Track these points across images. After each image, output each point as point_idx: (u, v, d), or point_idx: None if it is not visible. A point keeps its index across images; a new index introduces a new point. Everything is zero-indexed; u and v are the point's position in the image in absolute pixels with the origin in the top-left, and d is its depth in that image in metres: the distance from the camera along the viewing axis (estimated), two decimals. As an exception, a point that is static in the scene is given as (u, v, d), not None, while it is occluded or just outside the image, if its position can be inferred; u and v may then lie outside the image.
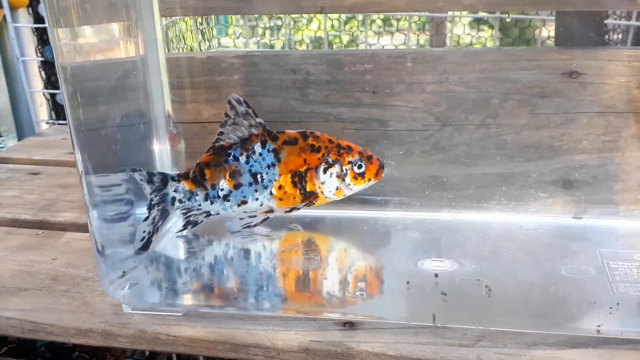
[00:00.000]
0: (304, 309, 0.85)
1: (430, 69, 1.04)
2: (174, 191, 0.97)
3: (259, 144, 0.96)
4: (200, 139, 1.10)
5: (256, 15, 1.35)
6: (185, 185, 0.97)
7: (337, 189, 0.96)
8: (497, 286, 0.86)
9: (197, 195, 0.97)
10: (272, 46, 1.37)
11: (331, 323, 0.82)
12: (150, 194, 0.96)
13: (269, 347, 0.80)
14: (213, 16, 1.22)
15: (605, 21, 1.44)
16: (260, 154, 0.96)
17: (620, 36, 1.49)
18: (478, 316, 0.82)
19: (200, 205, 0.98)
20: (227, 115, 0.96)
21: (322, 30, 1.38)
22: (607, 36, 1.50)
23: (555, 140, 1.03)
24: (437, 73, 1.04)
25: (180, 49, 1.12)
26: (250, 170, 0.97)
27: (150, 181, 0.96)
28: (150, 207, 0.96)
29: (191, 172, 0.98)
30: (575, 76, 1.01)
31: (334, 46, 1.37)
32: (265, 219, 0.99)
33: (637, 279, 0.86)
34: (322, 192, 0.96)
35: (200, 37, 1.16)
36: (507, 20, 1.16)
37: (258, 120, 0.96)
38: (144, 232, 0.95)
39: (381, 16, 1.36)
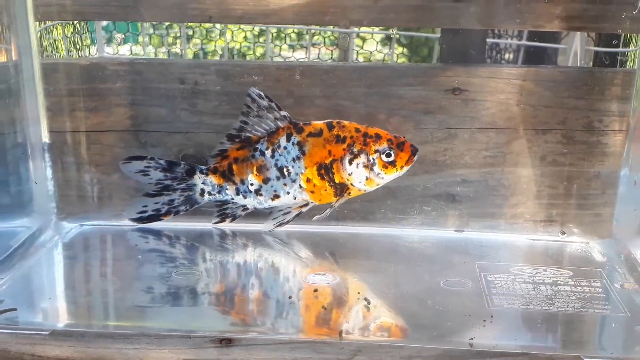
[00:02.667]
0: (178, 326, 0.83)
1: (319, 83, 1.04)
2: (202, 183, 1.00)
3: (284, 137, 0.96)
4: (80, 147, 1.06)
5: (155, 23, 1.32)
6: (213, 179, 1.00)
7: (367, 179, 0.95)
8: (376, 300, 0.87)
9: (227, 189, 0.99)
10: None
11: (207, 340, 0.80)
12: (168, 180, 1.01)
13: (140, 366, 0.77)
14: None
15: (496, 40, 1.49)
16: (285, 147, 0.97)
17: (511, 55, 1.54)
18: (356, 330, 0.81)
19: (233, 199, 1.00)
20: (247, 106, 0.97)
21: (236, 42, 1.35)
22: (498, 55, 1.56)
23: (438, 155, 1.05)
24: (325, 87, 1.04)
25: (54, 56, 1.07)
26: (276, 164, 0.97)
27: (167, 170, 1.00)
28: (167, 189, 1.01)
29: (218, 166, 1.00)
30: (457, 93, 1.03)
31: (247, 58, 1.35)
32: (298, 214, 1.00)
33: (512, 291, 0.88)
34: (351, 184, 0.95)
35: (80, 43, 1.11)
36: (392, 36, 1.17)
37: (282, 113, 0.97)
38: (146, 206, 1.02)
39: (295, 30, 1.35)
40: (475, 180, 1.06)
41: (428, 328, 0.82)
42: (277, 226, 1.01)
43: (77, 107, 1.05)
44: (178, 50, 1.35)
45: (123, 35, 1.16)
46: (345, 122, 0.96)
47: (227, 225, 1.05)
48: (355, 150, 0.95)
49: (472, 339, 0.78)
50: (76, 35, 1.07)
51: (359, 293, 0.88)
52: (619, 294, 0.89)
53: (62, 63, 1.05)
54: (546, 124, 1.03)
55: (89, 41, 1.09)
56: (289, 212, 1.00)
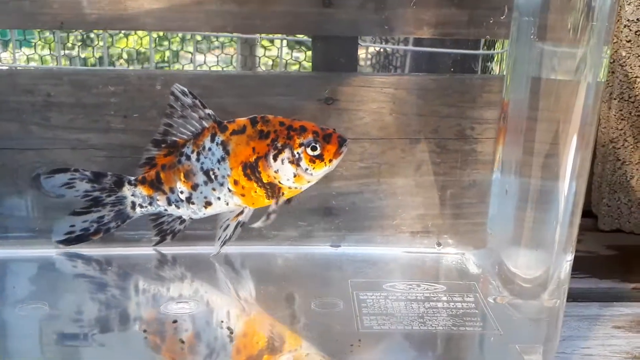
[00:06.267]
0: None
1: (183, 93, 0.97)
2: (132, 195, 0.91)
3: (209, 137, 0.88)
4: None
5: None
6: (142, 190, 0.91)
7: (295, 175, 0.86)
8: (240, 327, 0.82)
9: (157, 200, 0.91)
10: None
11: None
12: (96, 192, 0.93)
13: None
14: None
15: (368, 44, 1.47)
16: (209, 149, 0.88)
17: (398, 63, 1.52)
18: (216, 364, 0.76)
19: (166, 210, 0.92)
20: (171, 106, 0.89)
21: (143, 46, 1.27)
22: (388, 62, 1.53)
23: (312, 168, 1.01)
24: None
25: None
26: (202, 168, 0.89)
27: (94, 180, 0.92)
28: (97, 205, 0.93)
29: (146, 175, 0.92)
30: (330, 102, 0.99)
31: (154, 63, 1.26)
32: (239, 225, 0.92)
33: (384, 310, 0.85)
34: (280, 182, 0.87)
35: None
36: (258, 42, 1.13)
37: (207, 111, 0.89)
38: (73, 226, 0.94)
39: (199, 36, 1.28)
40: (351, 192, 1.02)
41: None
42: (222, 245, 0.93)
43: None
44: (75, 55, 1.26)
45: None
46: (270, 117, 0.89)
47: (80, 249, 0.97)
48: (279, 145, 0.86)
49: (337, 367, 0.74)
50: None
51: (222, 322, 0.83)
52: (492, 309, 0.87)
53: None
54: (419, 133, 1.00)
55: None
56: (228, 226, 0.93)
